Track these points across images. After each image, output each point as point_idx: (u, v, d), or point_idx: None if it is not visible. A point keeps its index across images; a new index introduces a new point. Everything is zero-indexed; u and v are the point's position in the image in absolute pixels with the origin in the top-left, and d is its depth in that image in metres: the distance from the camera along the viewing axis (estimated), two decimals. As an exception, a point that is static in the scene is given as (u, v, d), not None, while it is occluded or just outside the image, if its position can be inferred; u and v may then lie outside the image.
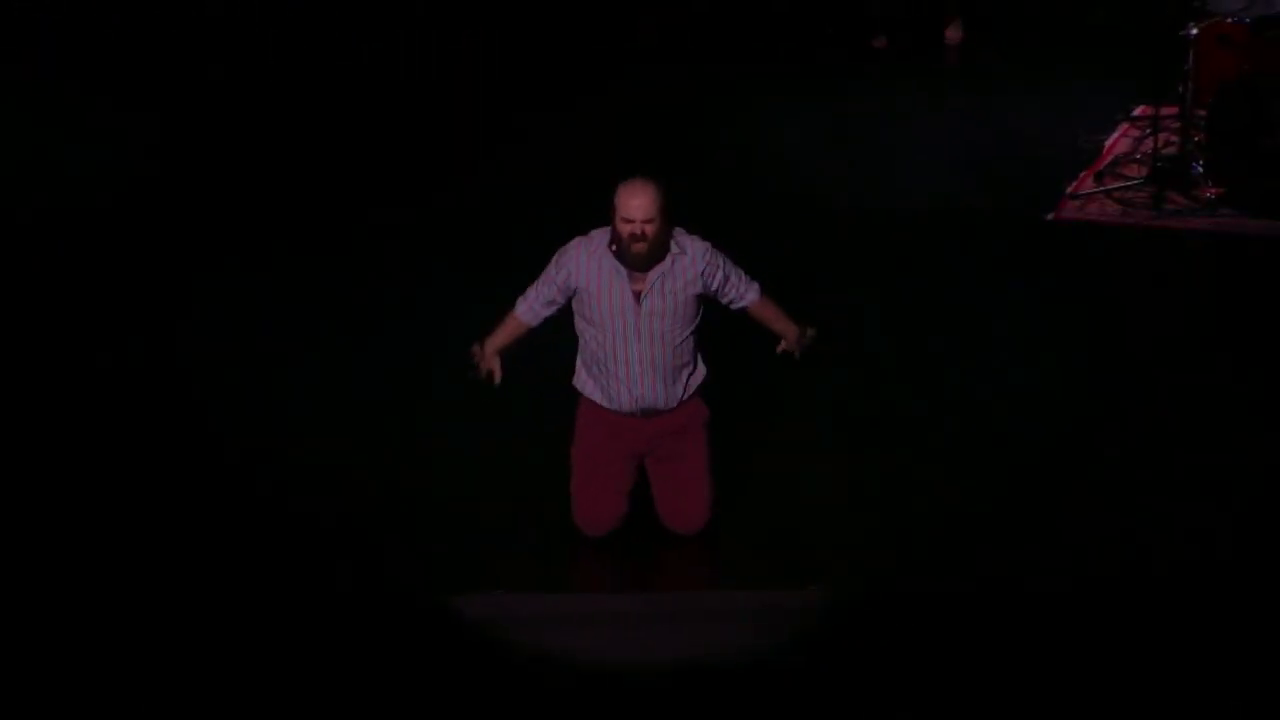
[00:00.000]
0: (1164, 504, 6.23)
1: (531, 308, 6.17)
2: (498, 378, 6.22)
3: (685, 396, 6.13)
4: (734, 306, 6.22)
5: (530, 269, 6.18)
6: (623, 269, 5.96)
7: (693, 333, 6.10)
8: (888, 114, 10.33)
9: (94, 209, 8.97)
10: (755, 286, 6.21)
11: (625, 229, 5.87)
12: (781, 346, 6.28)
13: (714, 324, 6.22)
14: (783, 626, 5.46)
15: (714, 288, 6.09)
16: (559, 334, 6.24)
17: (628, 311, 5.98)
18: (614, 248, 5.95)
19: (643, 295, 5.96)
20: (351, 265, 8.38)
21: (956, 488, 6.38)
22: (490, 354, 6.22)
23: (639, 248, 5.89)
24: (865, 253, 8.50)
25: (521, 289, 6.17)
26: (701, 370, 6.19)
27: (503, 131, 10.03)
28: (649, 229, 5.86)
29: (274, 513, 6.27)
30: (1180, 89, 8.92)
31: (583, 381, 6.19)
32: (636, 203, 5.86)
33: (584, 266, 6.01)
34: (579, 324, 6.12)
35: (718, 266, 6.07)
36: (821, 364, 6.42)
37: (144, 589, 5.73)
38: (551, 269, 6.09)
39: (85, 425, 6.88)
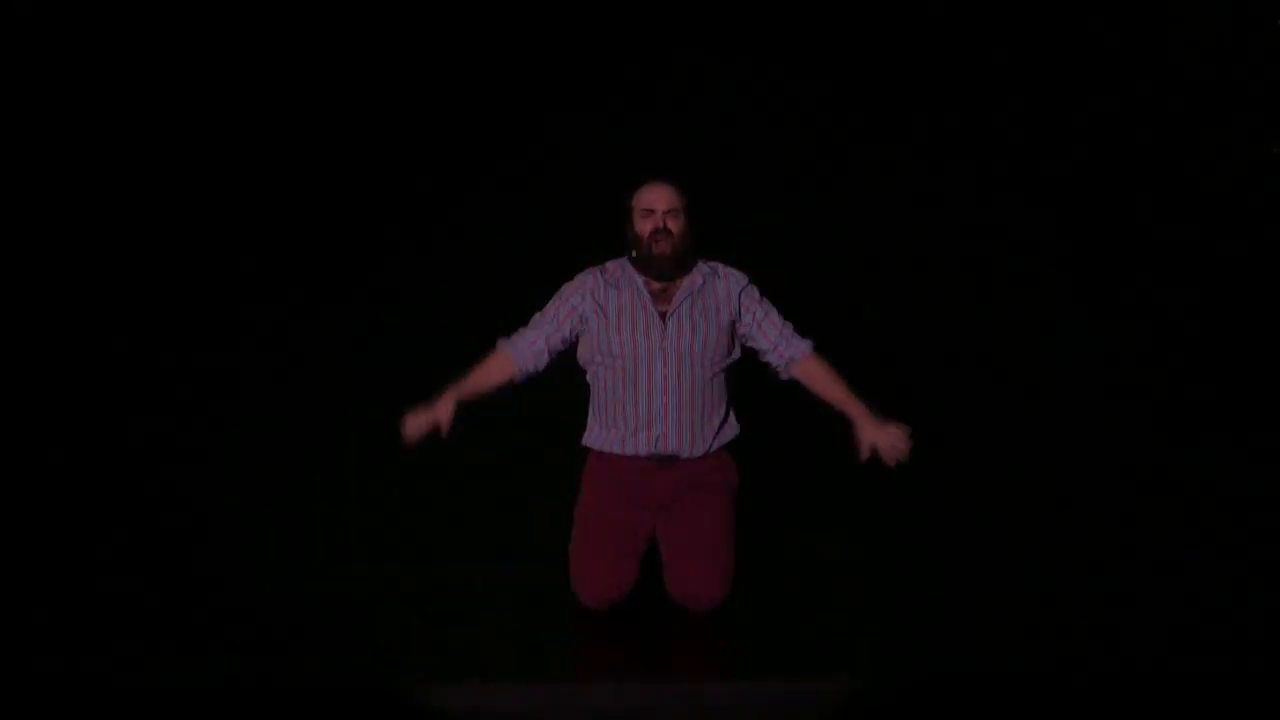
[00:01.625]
0: (1243, 583, 5.59)
1: (523, 341, 5.59)
2: (445, 428, 5.48)
3: (711, 448, 5.57)
4: (779, 361, 5.59)
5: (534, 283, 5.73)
6: (646, 291, 5.56)
7: (725, 373, 5.59)
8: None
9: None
10: (807, 342, 5.62)
11: (647, 225, 5.53)
12: (866, 448, 5.39)
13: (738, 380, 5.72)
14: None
15: (749, 323, 5.61)
16: (552, 393, 5.76)
17: (653, 335, 5.54)
18: (634, 255, 5.58)
19: (668, 315, 5.55)
20: (340, 281, 7.95)
21: (998, 568, 5.82)
22: (445, 401, 5.50)
23: (663, 247, 5.51)
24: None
25: (517, 308, 5.67)
26: (734, 424, 5.64)
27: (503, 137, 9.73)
28: (672, 223, 5.52)
29: (236, 586, 5.72)
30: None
31: (593, 436, 5.65)
32: (656, 194, 5.54)
33: (601, 290, 5.61)
34: (593, 365, 5.63)
35: (755, 299, 5.62)
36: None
37: (111, 667, 5.15)
38: (560, 297, 5.63)
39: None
